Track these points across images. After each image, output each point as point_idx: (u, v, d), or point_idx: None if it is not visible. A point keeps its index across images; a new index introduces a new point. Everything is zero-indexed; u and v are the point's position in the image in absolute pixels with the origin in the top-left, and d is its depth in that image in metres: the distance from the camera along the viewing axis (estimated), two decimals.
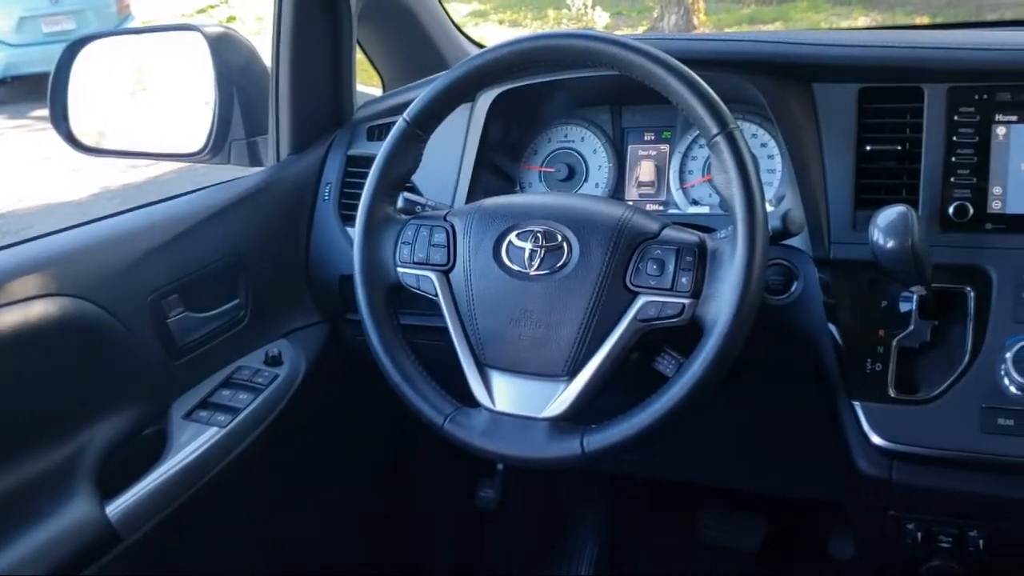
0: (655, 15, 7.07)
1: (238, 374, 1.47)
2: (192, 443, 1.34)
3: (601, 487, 2.10)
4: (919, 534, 1.23)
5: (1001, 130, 1.21)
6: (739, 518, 2.01)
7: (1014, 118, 1.21)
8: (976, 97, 1.22)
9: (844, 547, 1.82)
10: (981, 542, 1.20)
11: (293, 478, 1.58)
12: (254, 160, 1.67)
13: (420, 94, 1.22)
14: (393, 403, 1.21)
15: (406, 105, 1.23)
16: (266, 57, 1.62)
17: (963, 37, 1.34)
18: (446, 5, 1.93)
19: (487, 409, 1.16)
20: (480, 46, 1.93)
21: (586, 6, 7.26)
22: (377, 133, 1.59)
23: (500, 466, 1.87)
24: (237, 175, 1.58)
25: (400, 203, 1.28)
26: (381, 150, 1.24)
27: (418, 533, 1.97)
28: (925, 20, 5.96)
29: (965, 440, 1.12)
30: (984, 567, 1.23)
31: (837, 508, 1.47)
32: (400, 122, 1.22)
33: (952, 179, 1.22)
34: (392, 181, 1.25)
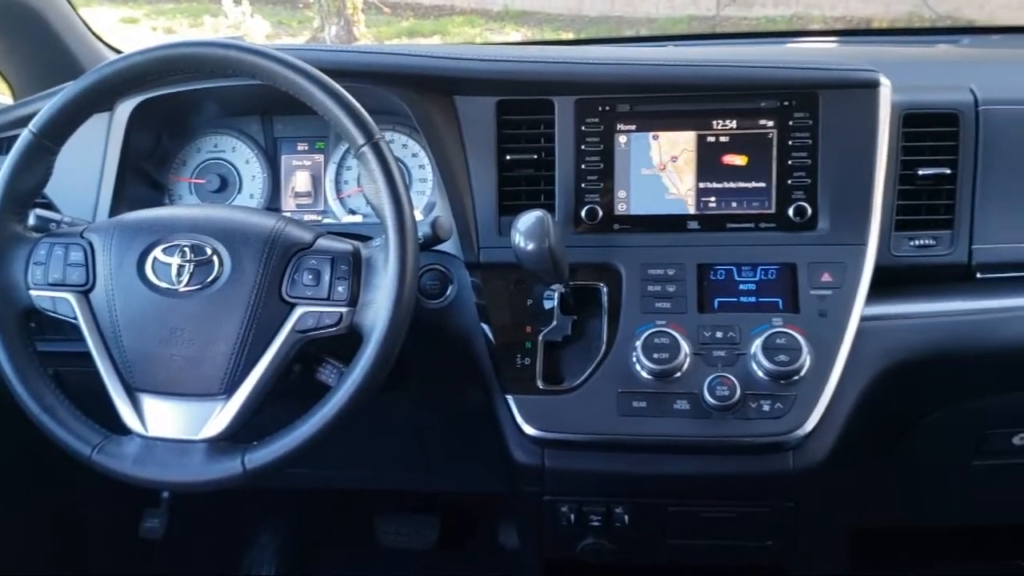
0: (316, 26, 7.02)
1: None
2: None
3: (278, 503, 2.07)
4: (572, 515, 1.32)
5: (623, 139, 1.33)
6: (414, 519, 2.05)
7: (633, 127, 1.33)
8: (600, 108, 1.33)
9: (512, 536, 1.91)
10: (626, 517, 1.32)
11: None
12: None
13: (47, 104, 1.14)
14: (43, 436, 1.12)
15: (35, 116, 1.15)
16: None
17: (591, 53, 1.45)
18: (93, 9, 1.80)
19: (139, 435, 1.11)
20: (119, 53, 1.83)
21: (245, 14, 7.04)
22: (5, 146, 1.46)
23: (165, 494, 1.78)
24: None
25: (32, 220, 1.19)
26: (5, 164, 1.15)
27: (82, 570, 1.83)
28: (570, 36, 6.38)
29: (605, 424, 1.22)
30: (629, 540, 1.34)
31: (502, 499, 1.54)
32: (26, 134, 1.14)
33: (583, 185, 1.33)
34: (20, 197, 1.16)
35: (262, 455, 1.08)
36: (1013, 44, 2.01)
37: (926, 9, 5.09)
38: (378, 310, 1.08)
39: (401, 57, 1.35)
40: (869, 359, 1.26)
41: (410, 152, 1.44)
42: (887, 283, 1.29)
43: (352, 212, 1.47)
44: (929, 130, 1.32)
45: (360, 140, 1.09)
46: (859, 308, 1.25)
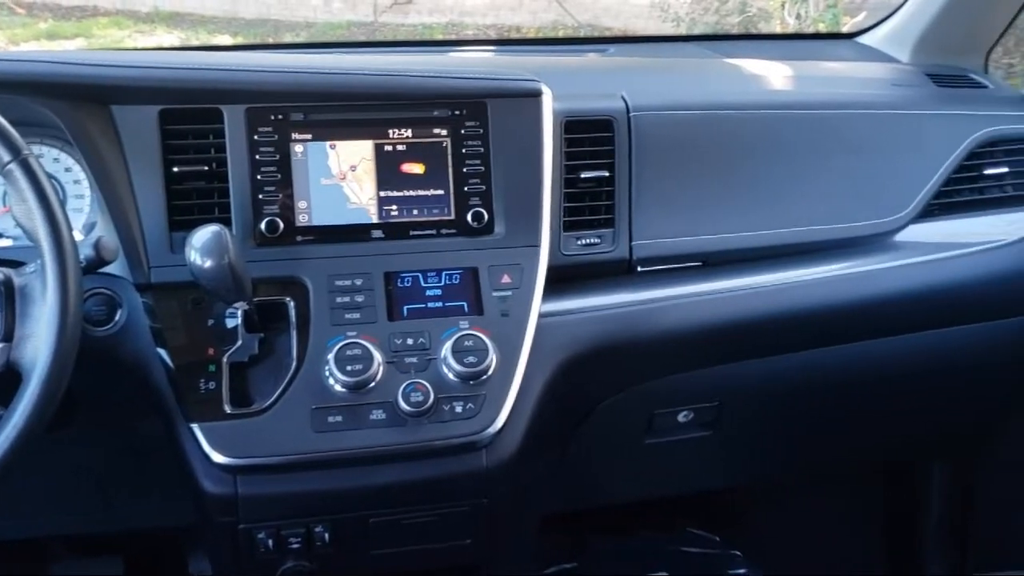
0: None
1: None
2: None
3: None
4: (270, 541, 1.27)
5: (299, 148, 1.30)
6: (94, 561, 1.89)
7: (309, 136, 1.31)
8: (273, 117, 1.29)
9: (204, 566, 1.82)
10: (326, 535, 1.29)
11: None
12: None
13: None
14: None
15: None
16: None
17: (260, 59, 1.41)
18: None
19: None
20: None
21: None
22: None
23: None
24: None
25: None
26: None
27: None
28: (227, 39, 6.18)
29: (300, 443, 1.19)
30: (330, 558, 1.32)
31: (192, 530, 1.46)
32: None
33: (260, 196, 1.28)
34: None
35: None
36: (653, 52, 2.21)
37: (569, 18, 5.47)
38: (38, 344, 0.99)
39: (49, 65, 1.23)
40: (549, 354, 1.32)
41: (63, 167, 1.32)
42: (561, 281, 1.37)
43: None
44: (587, 136, 1.41)
45: (5, 157, 1.00)
46: (537, 306, 1.31)
